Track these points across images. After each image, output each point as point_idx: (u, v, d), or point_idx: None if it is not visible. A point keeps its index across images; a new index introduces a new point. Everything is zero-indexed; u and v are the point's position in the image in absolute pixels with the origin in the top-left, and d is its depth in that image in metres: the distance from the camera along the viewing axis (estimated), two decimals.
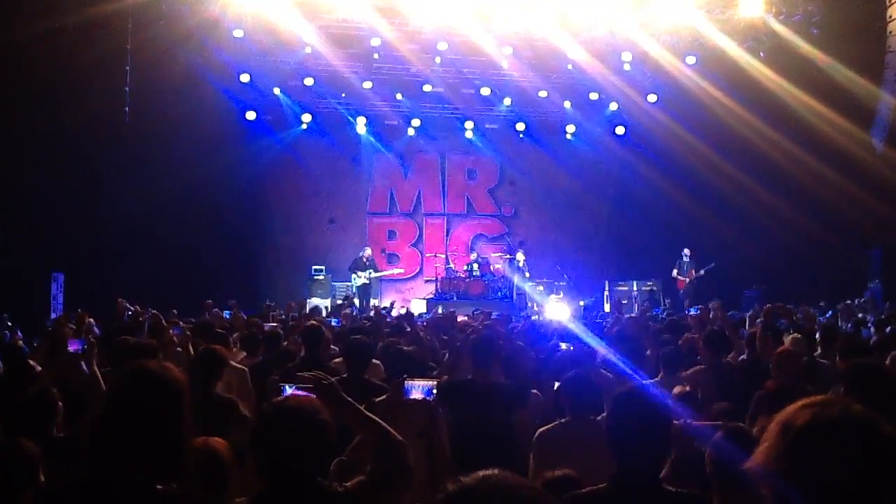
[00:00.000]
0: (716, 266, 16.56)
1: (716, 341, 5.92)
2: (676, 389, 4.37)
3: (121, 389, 2.34)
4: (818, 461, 1.49)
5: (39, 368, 5.19)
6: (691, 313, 12.43)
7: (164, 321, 7.10)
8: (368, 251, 17.64)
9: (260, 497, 2.49)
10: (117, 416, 2.26)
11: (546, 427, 4.16)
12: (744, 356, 6.33)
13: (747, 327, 8.22)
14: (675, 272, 17.43)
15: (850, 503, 1.47)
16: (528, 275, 17.36)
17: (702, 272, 16.89)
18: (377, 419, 2.79)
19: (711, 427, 3.22)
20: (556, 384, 4.73)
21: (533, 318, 12.43)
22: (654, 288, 17.67)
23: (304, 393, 2.76)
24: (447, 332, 8.50)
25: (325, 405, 2.72)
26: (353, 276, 17.06)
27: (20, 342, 7.42)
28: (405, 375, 3.84)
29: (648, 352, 6.43)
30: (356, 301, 16.31)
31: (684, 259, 17.29)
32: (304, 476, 2.46)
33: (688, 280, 17.12)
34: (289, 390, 2.83)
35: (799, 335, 6.59)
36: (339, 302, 16.22)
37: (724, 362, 5.84)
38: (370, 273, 17.22)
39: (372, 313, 12.17)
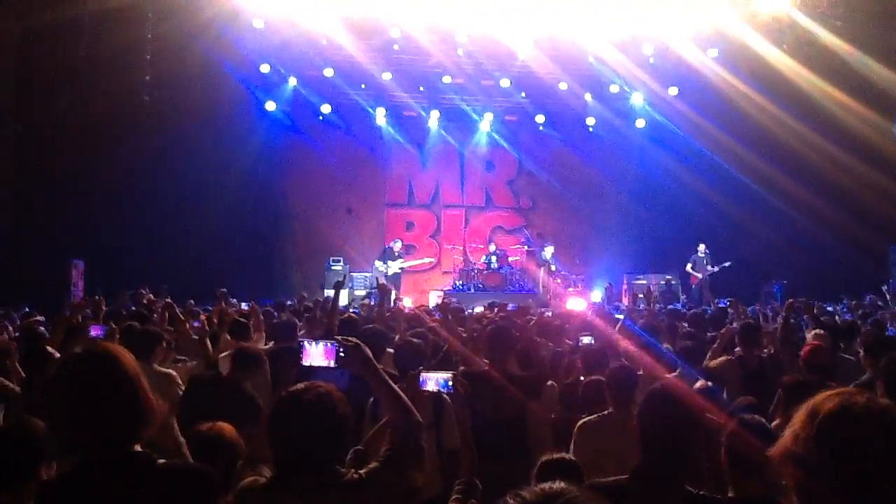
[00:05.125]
0: (731, 265, 16.40)
1: (747, 334, 6.01)
2: (698, 384, 4.33)
3: (66, 369, 2.33)
4: (842, 447, 1.53)
5: (57, 355, 5.22)
6: (721, 306, 12.35)
7: (177, 310, 7.14)
8: (400, 243, 17.73)
9: (275, 482, 2.49)
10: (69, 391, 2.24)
11: (588, 418, 4.17)
12: (769, 350, 6.29)
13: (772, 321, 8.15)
14: (689, 266, 17.31)
15: (871, 488, 1.51)
16: (553, 268, 17.29)
17: (716, 269, 16.77)
18: (399, 391, 2.76)
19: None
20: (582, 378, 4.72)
21: (547, 314, 12.34)
22: (674, 282, 17.53)
23: (329, 347, 2.72)
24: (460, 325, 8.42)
25: (351, 365, 2.71)
26: (385, 265, 17.06)
27: (40, 328, 7.47)
28: (421, 367, 3.81)
29: (667, 345, 6.39)
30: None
31: (699, 254, 17.17)
32: (319, 464, 2.46)
33: (701, 276, 16.99)
34: (309, 345, 2.79)
35: (822, 331, 6.54)
36: (362, 292, 16.29)
37: (755, 355, 5.88)
38: (401, 262, 17.31)
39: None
